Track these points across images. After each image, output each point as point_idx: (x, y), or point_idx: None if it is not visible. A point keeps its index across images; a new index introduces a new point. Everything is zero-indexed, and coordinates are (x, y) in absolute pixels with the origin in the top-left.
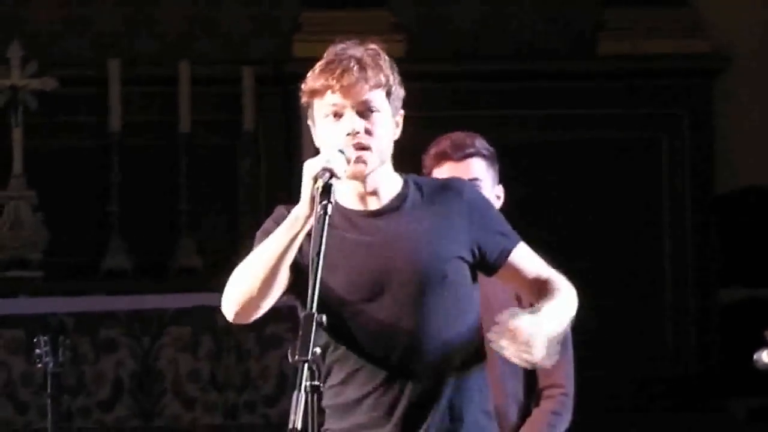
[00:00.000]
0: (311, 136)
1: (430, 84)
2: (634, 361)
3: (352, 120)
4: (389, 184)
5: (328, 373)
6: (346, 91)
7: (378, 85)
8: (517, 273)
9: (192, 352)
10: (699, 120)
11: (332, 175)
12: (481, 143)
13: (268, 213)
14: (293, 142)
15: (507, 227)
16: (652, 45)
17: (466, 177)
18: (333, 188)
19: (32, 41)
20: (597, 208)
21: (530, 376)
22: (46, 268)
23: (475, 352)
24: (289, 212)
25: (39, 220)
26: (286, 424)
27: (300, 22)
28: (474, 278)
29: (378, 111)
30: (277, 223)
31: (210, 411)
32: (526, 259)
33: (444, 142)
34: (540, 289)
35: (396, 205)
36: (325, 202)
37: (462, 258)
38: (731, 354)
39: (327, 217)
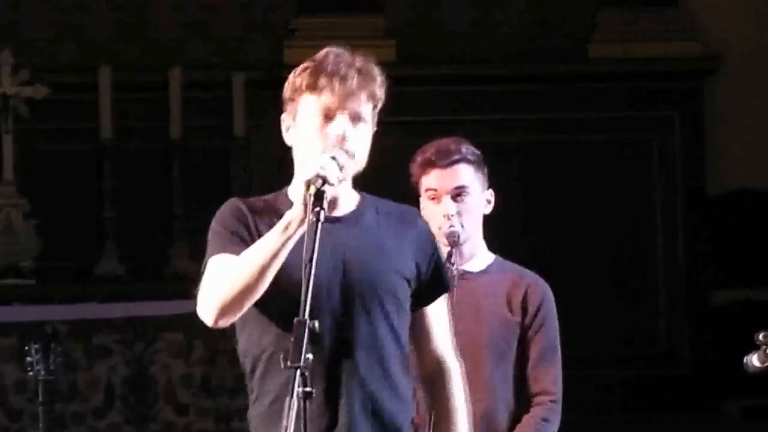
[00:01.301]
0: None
1: (422, 88)
2: (628, 361)
3: (344, 125)
4: (347, 195)
5: (262, 378)
6: (345, 97)
7: (371, 98)
8: (427, 324)
9: (185, 358)
10: (690, 122)
11: (325, 181)
12: (467, 148)
13: None
14: (284, 148)
15: (446, 272)
16: (643, 47)
17: (453, 183)
18: (326, 195)
19: (24, 48)
20: (589, 210)
21: (520, 381)
22: (39, 274)
23: (403, 363)
24: (245, 206)
25: (31, 227)
26: None
27: (293, 28)
28: (411, 306)
29: (364, 122)
30: (238, 220)
31: (203, 416)
32: (444, 316)
33: (429, 150)
34: (437, 375)
35: (352, 217)
36: (317, 209)
37: (407, 279)
38: (724, 355)
39: (319, 224)
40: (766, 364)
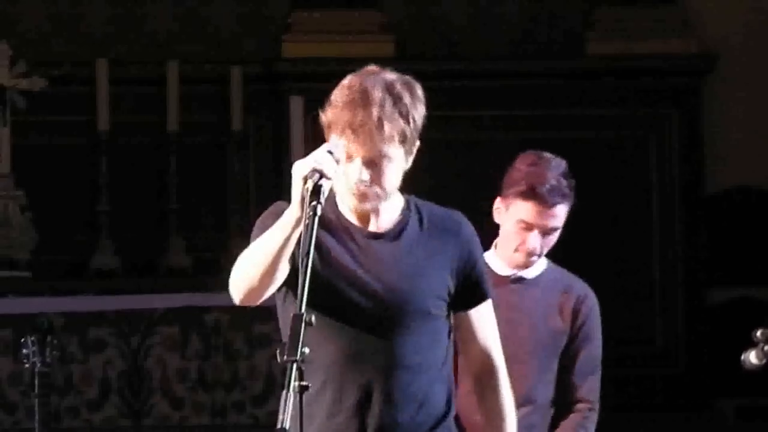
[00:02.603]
0: (300, 134)
1: (420, 83)
2: (624, 360)
3: (359, 170)
4: (390, 206)
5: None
6: (361, 142)
7: (393, 139)
8: (471, 326)
9: (180, 352)
10: (687, 119)
11: (322, 175)
12: (569, 183)
13: (258, 212)
14: (282, 142)
15: (488, 278)
16: (640, 45)
17: (550, 224)
18: (323, 189)
19: (20, 41)
20: (585, 207)
21: (561, 388)
22: (35, 267)
23: (442, 380)
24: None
25: (27, 220)
26: (275, 424)
27: (289, 22)
28: (448, 314)
29: (389, 160)
30: (277, 217)
31: (198, 411)
32: (488, 319)
33: (539, 180)
34: (483, 375)
35: (394, 232)
36: (314, 203)
37: (443, 297)
38: (720, 353)
39: (316, 218)
40: (763, 362)
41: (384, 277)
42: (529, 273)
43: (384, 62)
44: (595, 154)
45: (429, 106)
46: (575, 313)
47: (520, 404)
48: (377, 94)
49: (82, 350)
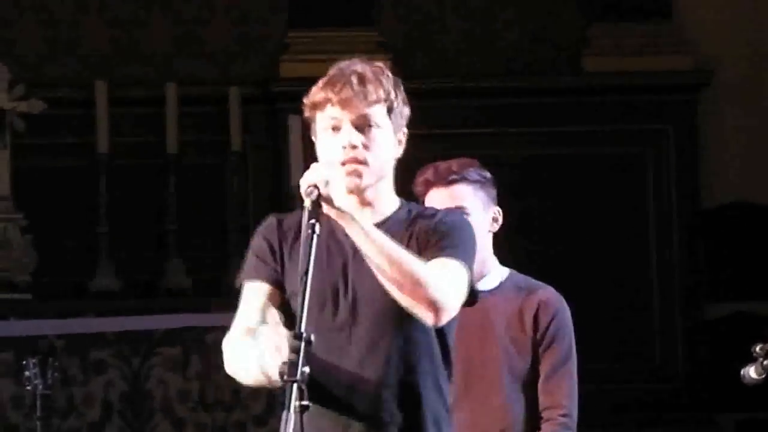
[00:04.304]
0: (298, 154)
1: (416, 102)
2: (622, 376)
3: (349, 133)
4: (384, 203)
5: None
6: (344, 103)
7: (378, 101)
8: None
9: (181, 373)
10: (684, 135)
11: (319, 192)
12: (467, 169)
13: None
14: (281, 161)
15: (455, 240)
16: (636, 61)
17: (452, 203)
18: (322, 206)
19: (19, 63)
20: (583, 223)
21: (535, 399)
22: (35, 289)
23: (432, 375)
24: (279, 222)
25: (27, 242)
26: None
27: (287, 42)
28: None
29: (377, 126)
30: (265, 240)
31: (199, 431)
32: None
33: (428, 171)
34: None
35: (382, 228)
36: (313, 222)
37: None
38: (719, 368)
39: (315, 237)
40: (763, 376)
41: (357, 271)
42: (485, 285)
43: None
44: (591, 170)
45: (425, 124)
46: (536, 318)
47: (496, 419)
48: (354, 66)
49: (83, 372)
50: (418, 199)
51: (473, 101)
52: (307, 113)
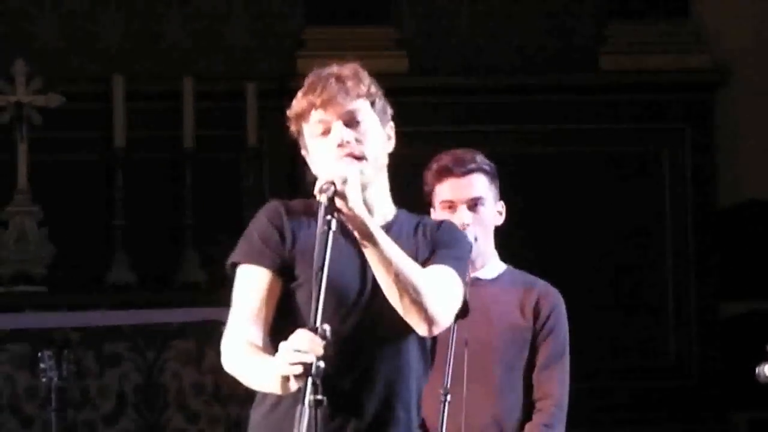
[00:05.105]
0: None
1: (433, 99)
2: (636, 373)
3: (340, 131)
4: (382, 207)
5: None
6: (328, 104)
7: (360, 95)
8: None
9: (196, 366)
10: (700, 134)
11: (336, 190)
12: (482, 159)
13: None
14: (296, 157)
15: (457, 253)
16: (653, 59)
17: (468, 193)
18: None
19: (37, 57)
20: (599, 221)
21: (528, 389)
22: (51, 282)
23: (417, 381)
24: (286, 208)
25: (44, 235)
26: None
27: (304, 38)
28: None
29: (365, 120)
30: (272, 224)
31: (214, 424)
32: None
33: (446, 158)
34: None
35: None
36: (329, 218)
37: None
38: (732, 367)
39: (330, 233)
40: None
41: (356, 274)
42: (486, 274)
43: (397, 78)
44: (607, 168)
45: (442, 121)
46: (536, 309)
47: (488, 405)
48: (330, 69)
49: (98, 364)
50: (426, 189)
51: (490, 98)
52: (293, 127)
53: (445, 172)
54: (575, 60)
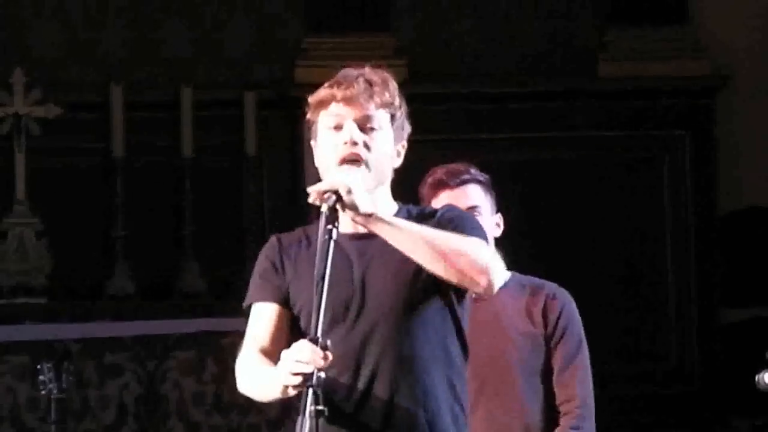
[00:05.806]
0: (314, 159)
1: (433, 107)
2: (637, 379)
3: (351, 130)
4: (383, 208)
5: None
6: (349, 101)
7: (382, 105)
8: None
9: (196, 376)
10: (701, 140)
11: (339, 198)
12: (476, 171)
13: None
14: (296, 165)
15: (473, 224)
16: (653, 65)
17: (464, 204)
18: (338, 212)
19: (36, 67)
20: (600, 227)
21: (550, 394)
22: (51, 292)
23: (446, 374)
24: (279, 240)
25: (43, 246)
26: None
27: (303, 47)
28: (448, 298)
29: (380, 129)
30: (268, 259)
31: None
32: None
33: (439, 171)
34: None
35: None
36: (330, 227)
37: (431, 289)
38: (734, 373)
39: (332, 242)
40: None
41: (361, 276)
42: None
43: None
44: (608, 174)
45: (441, 129)
46: (545, 313)
47: (515, 416)
48: (362, 70)
49: (99, 375)
50: (423, 203)
51: (490, 105)
52: (310, 114)
53: (439, 185)
54: (575, 66)
